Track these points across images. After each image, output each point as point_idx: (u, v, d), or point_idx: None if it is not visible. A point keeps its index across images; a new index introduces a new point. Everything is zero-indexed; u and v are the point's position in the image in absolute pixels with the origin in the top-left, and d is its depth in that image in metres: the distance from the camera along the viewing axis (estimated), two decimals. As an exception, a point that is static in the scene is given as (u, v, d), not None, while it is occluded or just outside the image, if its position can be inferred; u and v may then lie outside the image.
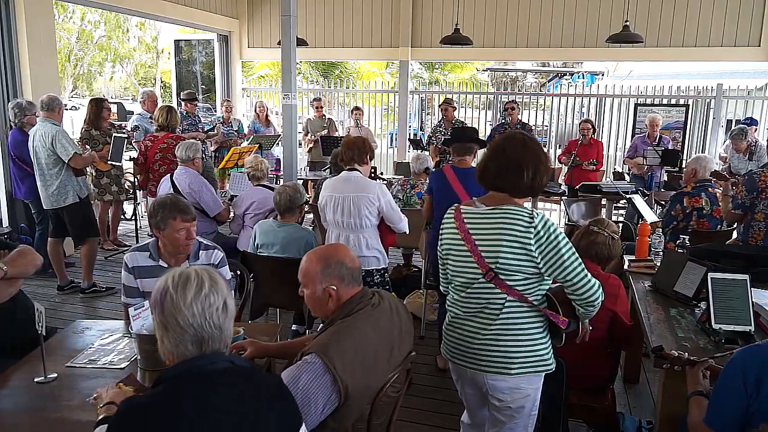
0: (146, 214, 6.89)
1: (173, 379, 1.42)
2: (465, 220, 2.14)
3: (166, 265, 2.72)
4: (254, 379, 1.49)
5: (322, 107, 8.49)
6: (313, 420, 1.74)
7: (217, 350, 1.46)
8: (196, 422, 1.35)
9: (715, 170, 4.36)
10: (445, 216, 2.26)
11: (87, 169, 5.42)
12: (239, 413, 1.41)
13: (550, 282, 2.13)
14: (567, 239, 2.05)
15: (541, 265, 2.03)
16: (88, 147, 5.64)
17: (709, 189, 4.30)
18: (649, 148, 6.82)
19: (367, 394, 1.84)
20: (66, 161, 4.79)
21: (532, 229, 2.00)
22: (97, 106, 5.80)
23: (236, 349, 2.17)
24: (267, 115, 8.42)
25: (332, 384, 1.74)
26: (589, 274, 2.06)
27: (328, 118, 8.62)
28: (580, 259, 2.05)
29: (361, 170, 3.52)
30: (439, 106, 7.88)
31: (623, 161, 7.89)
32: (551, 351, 2.16)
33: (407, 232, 3.77)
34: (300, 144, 9.53)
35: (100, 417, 1.73)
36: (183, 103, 7.72)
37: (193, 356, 1.43)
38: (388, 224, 3.61)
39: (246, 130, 8.48)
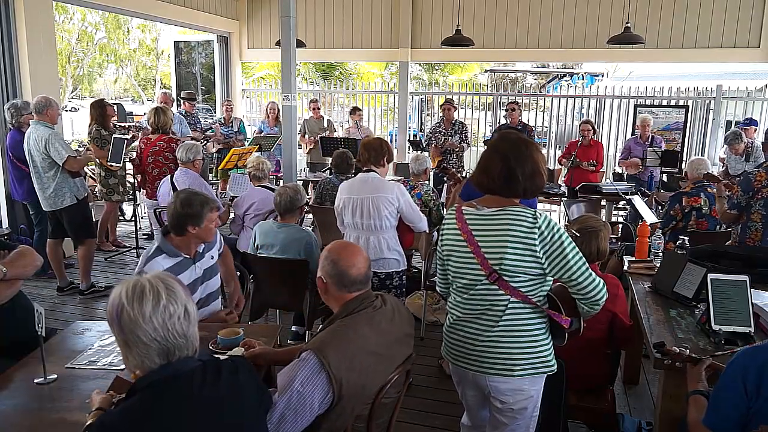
0: (146, 215, 7.01)
1: (147, 388, 1.40)
2: (467, 222, 2.12)
3: (189, 257, 2.74)
4: (222, 370, 1.50)
5: (319, 108, 8.50)
6: (307, 419, 1.74)
7: (185, 357, 1.44)
8: (175, 428, 1.36)
9: (708, 172, 4.36)
10: (446, 218, 2.26)
11: (93, 169, 5.40)
12: (215, 407, 1.42)
13: (551, 282, 2.13)
14: (570, 239, 2.05)
15: (545, 266, 2.03)
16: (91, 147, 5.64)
17: (708, 189, 4.31)
18: (649, 149, 6.81)
19: (363, 395, 1.84)
20: (60, 164, 4.76)
21: (536, 230, 2.00)
22: (101, 107, 5.83)
23: (246, 345, 2.23)
24: (277, 116, 8.38)
25: (327, 383, 1.74)
26: (593, 273, 2.05)
27: (327, 119, 8.62)
28: (584, 258, 2.04)
29: (378, 172, 3.50)
30: (441, 105, 7.88)
31: (618, 163, 7.85)
32: (553, 352, 2.16)
33: (427, 231, 3.76)
34: (299, 145, 9.56)
35: (86, 424, 1.67)
36: (182, 102, 7.74)
37: (162, 365, 1.42)
38: (407, 224, 3.60)
39: (248, 130, 8.47)
